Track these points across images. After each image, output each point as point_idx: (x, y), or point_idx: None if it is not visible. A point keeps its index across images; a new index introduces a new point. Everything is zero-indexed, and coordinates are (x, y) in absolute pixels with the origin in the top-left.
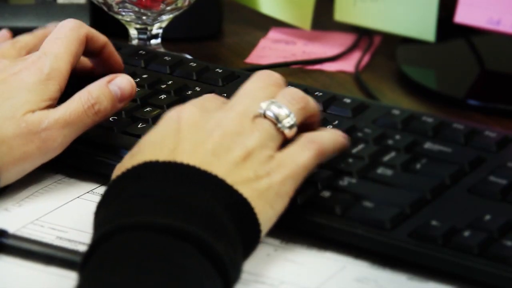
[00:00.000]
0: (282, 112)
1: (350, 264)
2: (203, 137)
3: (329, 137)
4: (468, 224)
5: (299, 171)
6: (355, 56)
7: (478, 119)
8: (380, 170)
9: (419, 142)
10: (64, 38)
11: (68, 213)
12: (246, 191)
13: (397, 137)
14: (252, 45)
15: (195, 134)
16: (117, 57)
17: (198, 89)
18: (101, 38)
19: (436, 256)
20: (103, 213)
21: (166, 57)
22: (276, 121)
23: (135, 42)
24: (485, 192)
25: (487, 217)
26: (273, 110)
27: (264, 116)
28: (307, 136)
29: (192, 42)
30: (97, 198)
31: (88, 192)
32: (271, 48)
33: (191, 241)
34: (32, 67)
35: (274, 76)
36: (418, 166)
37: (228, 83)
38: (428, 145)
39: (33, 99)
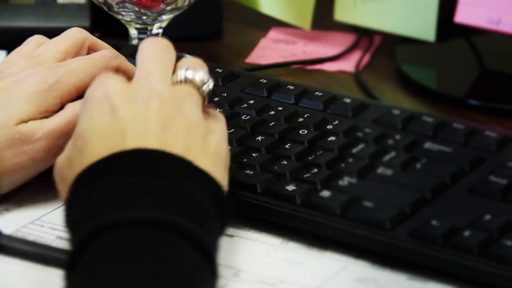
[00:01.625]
0: (200, 77)
1: (350, 264)
2: (144, 112)
3: None
4: (468, 224)
5: (225, 133)
6: (355, 56)
7: (478, 119)
8: (380, 170)
9: (419, 142)
10: (90, 60)
11: None
12: (206, 162)
13: (397, 137)
14: (252, 45)
15: (133, 110)
16: None
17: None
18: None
19: (436, 256)
20: (79, 212)
21: None
22: (198, 86)
23: (135, 42)
24: (485, 192)
25: (487, 217)
26: (192, 75)
27: (185, 81)
28: (212, 111)
29: (192, 42)
30: None
31: None
32: (271, 48)
33: (176, 232)
34: (38, 75)
35: (163, 40)
36: (418, 166)
37: (228, 83)
38: (428, 145)
39: (27, 110)
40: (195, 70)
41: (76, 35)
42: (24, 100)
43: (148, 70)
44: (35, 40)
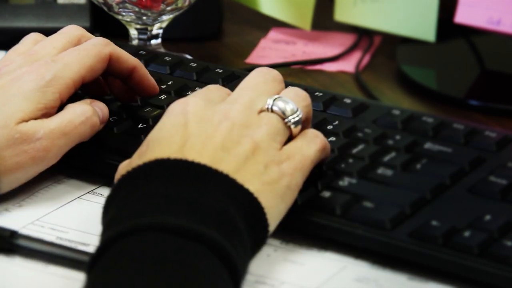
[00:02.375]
0: (289, 107)
1: (350, 264)
2: (211, 131)
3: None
4: (468, 224)
5: (307, 163)
6: (355, 56)
7: (478, 119)
8: (380, 170)
9: (419, 142)
10: (82, 50)
11: (69, 213)
12: (256, 186)
13: (397, 137)
14: (252, 45)
15: (203, 127)
16: (149, 81)
17: (198, 89)
18: (130, 60)
19: (436, 256)
20: (114, 212)
21: (166, 57)
22: (283, 115)
23: (135, 42)
24: (485, 192)
25: (487, 217)
26: (280, 105)
27: (271, 110)
28: (312, 131)
29: (192, 42)
30: (97, 199)
31: (88, 193)
32: (271, 48)
33: (205, 243)
34: (35, 72)
35: (273, 72)
36: (418, 166)
37: (228, 83)
38: (428, 145)
39: (27, 108)
40: (285, 100)
41: (72, 32)
42: (22, 98)
43: (237, 97)
44: (32, 38)
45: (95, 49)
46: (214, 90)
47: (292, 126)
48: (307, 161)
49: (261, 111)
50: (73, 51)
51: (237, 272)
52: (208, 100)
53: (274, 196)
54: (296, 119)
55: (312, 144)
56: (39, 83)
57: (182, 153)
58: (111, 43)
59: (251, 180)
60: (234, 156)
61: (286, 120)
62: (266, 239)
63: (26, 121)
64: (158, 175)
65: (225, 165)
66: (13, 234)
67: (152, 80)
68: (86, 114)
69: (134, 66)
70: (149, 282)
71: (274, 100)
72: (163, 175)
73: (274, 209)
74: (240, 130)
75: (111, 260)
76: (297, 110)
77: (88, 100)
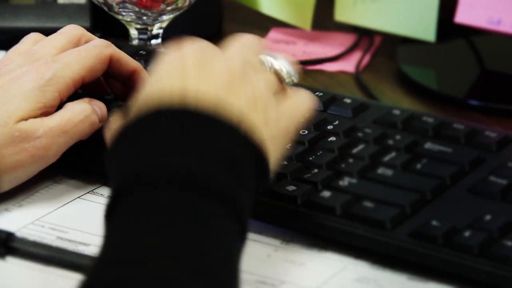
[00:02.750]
0: (286, 69)
1: (350, 264)
2: (212, 74)
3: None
4: (468, 224)
5: (300, 118)
6: (355, 56)
7: (478, 119)
8: (380, 170)
9: (419, 142)
10: (83, 51)
11: (69, 213)
12: (259, 136)
13: (397, 137)
14: None
15: (203, 70)
16: None
17: None
18: (130, 63)
19: (436, 256)
20: (121, 157)
21: None
22: (281, 76)
23: (135, 42)
24: (485, 192)
25: (487, 217)
26: (278, 65)
27: (268, 68)
28: (302, 90)
29: None
30: (97, 199)
31: (88, 192)
32: (271, 48)
33: (215, 195)
34: (35, 71)
35: (257, 38)
36: (418, 166)
37: None
38: (428, 145)
39: (26, 107)
40: (282, 61)
41: (72, 31)
42: (22, 97)
43: (234, 52)
44: (32, 37)
45: (96, 50)
46: (206, 43)
47: (287, 82)
48: (301, 116)
49: (259, 69)
50: (73, 51)
51: (245, 222)
52: (204, 49)
53: (273, 147)
54: (293, 82)
55: (305, 102)
56: (38, 82)
57: (184, 100)
58: (112, 45)
59: (255, 128)
60: (237, 103)
61: (284, 81)
62: (267, 185)
63: (26, 119)
64: (163, 122)
65: (229, 112)
66: (10, 236)
67: None
68: (85, 112)
69: (134, 69)
70: (159, 236)
71: (272, 60)
72: (168, 122)
73: (273, 159)
74: (241, 81)
75: (123, 215)
76: (293, 73)
77: (86, 99)
